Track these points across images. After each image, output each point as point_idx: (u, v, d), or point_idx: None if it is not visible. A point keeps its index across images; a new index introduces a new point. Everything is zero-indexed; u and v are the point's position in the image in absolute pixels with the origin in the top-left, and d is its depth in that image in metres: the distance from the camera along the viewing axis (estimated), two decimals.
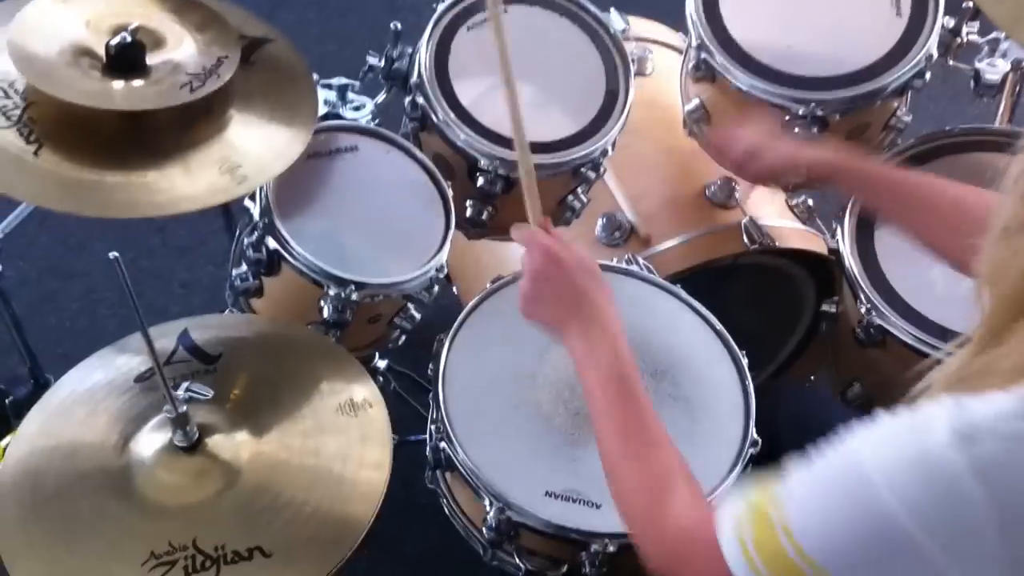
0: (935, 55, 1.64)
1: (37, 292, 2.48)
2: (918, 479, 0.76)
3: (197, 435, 1.24)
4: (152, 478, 1.23)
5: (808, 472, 0.86)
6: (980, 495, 0.73)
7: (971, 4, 1.62)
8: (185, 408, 1.22)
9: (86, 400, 1.33)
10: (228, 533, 1.17)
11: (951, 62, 1.73)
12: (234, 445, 1.26)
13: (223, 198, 1.39)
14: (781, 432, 1.50)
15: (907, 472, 0.77)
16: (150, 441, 1.27)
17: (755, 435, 1.44)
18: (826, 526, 0.83)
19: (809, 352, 2.03)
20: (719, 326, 1.56)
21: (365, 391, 1.35)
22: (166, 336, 1.40)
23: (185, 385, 1.25)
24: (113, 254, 1.09)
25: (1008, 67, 1.73)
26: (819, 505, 0.84)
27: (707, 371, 1.52)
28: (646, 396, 1.14)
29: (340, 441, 1.28)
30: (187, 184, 1.36)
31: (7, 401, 1.90)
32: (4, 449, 1.56)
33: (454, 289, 2.14)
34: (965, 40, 1.71)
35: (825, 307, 1.72)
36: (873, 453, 0.80)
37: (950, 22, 1.68)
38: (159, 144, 1.38)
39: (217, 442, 1.26)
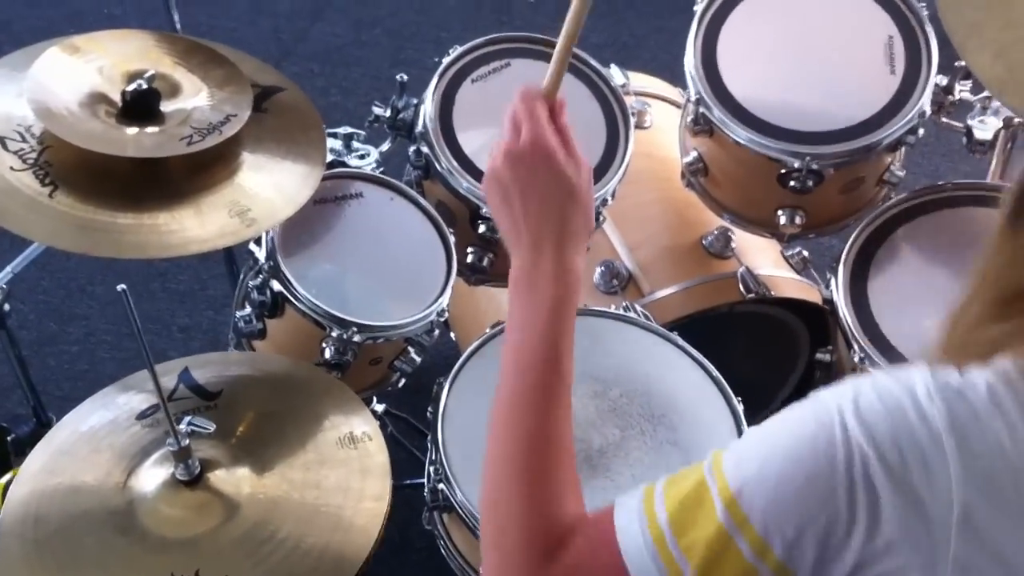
0: (928, 112, 1.67)
1: (37, 334, 2.50)
2: (886, 414, 0.72)
3: (199, 469, 1.26)
4: (154, 512, 1.25)
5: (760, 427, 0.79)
6: (949, 444, 0.70)
7: (964, 63, 1.66)
8: (187, 442, 1.24)
9: (88, 438, 1.35)
10: (230, 565, 1.18)
11: (944, 119, 1.77)
12: (235, 479, 1.28)
13: (232, 241, 1.41)
14: None
15: (878, 407, 0.72)
16: (152, 476, 1.29)
17: None
18: (772, 459, 0.75)
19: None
20: (715, 373, 1.58)
21: (364, 424, 1.37)
22: (167, 374, 1.42)
23: (187, 419, 1.27)
24: (121, 287, 1.11)
25: (999, 124, 1.76)
26: (771, 440, 0.76)
27: (703, 416, 1.54)
28: (568, 390, 0.93)
29: (340, 474, 1.30)
30: (198, 226, 1.39)
31: (8, 439, 1.90)
32: (5, 486, 1.57)
33: (452, 335, 2.16)
34: (958, 98, 1.75)
35: (819, 356, 1.74)
36: (844, 398, 0.74)
37: (943, 80, 1.72)
38: (172, 187, 1.41)
39: (218, 476, 1.28)
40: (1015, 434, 0.70)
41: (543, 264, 0.94)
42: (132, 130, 1.42)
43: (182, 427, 1.24)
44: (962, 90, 1.74)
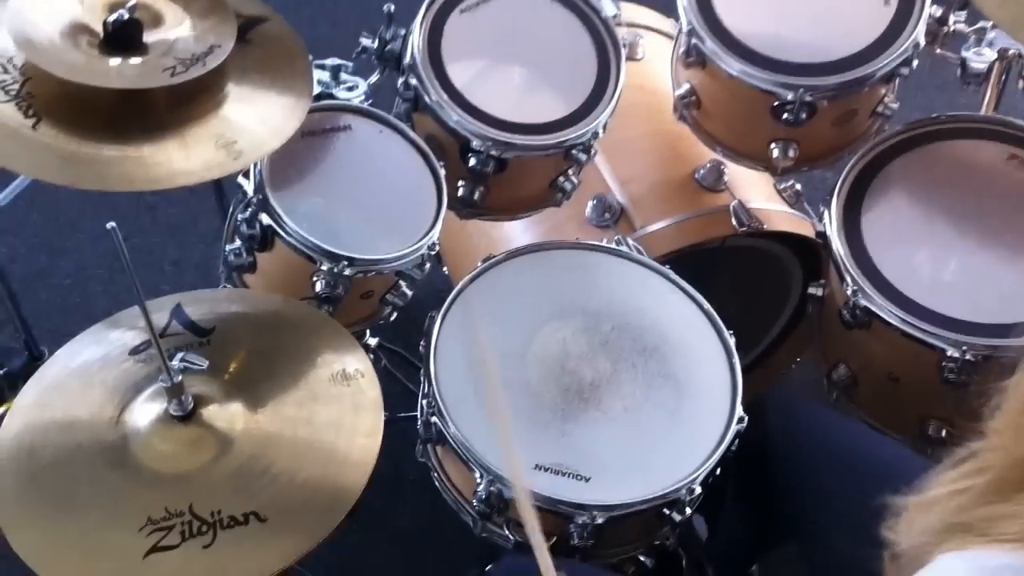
0: (922, 43, 1.66)
1: (28, 268, 2.49)
2: None
3: (192, 405, 1.26)
4: (148, 447, 1.25)
5: None
6: None
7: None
8: (180, 378, 1.24)
9: (81, 373, 1.34)
10: (224, 499, 1.19)
11: (938, 50, 1.76)
12: (228, 414, 1.28)
13: (218, 173, 1.39)
14: (772, 443, 1.53)
15: None
16: (145, 412, 1.29)
17: (741, 412, 1.47)
18: None
19: (796, 334, 2.05)
20: (707, 306, 1.58)
21: (356, 361, 1.36)
22: (160, 310, 1.41)
23: (180, 355, 1.26)
24: (111, 224, 1.10)
25: (994, 56, 1.75)
26: None
27: (695, 349, 1.55)
28: None
29: (333, 410, 1.30)
30: (183, 159, 1.37)
31: (1, 372, 1.91)
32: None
33: (444, 270, 2.16)
34: (952, 29, 1.73)
35: (812, 290, 1.74)
36: None
37: (937, 11, 1.70)
38: (156, 119, 1.39)
39: (211, 412, 1.28)
40: None
41: None
42: (115, 61, 1.39)
43: (175, 363, 1.24)
44: (957, 21, 1.72)
